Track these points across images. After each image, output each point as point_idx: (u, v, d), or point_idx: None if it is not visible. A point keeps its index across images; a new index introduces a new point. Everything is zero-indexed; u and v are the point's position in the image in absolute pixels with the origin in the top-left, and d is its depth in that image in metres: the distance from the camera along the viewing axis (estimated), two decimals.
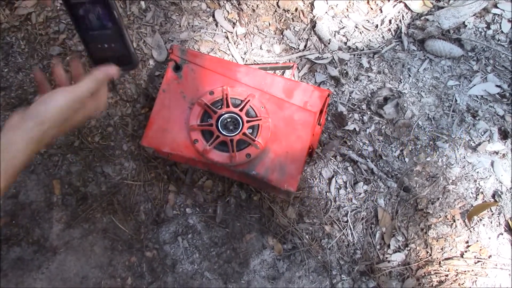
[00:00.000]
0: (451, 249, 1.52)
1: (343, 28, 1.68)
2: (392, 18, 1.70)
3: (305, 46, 1.67)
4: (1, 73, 1.59)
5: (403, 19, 1.69)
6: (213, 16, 1.67)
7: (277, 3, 1.69)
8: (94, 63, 0.85)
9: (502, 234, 1.53)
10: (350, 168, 1.56)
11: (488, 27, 1.68)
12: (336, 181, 1.55)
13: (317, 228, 1.52)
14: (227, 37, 1.65)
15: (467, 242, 1.52)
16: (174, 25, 1.64)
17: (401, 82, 1.63)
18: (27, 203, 1.52)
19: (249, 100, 1.25)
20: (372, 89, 1.62)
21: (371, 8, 1.71)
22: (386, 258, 1.51)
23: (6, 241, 1.49)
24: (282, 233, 1.51)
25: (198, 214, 1.53)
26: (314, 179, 1.56)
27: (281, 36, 1.67)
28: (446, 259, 1.51)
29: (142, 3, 1.65)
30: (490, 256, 1.51)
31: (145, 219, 1.53)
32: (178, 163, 1.55)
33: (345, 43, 1.67)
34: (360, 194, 1.55)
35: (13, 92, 1.59)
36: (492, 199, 1.55)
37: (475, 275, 1.49)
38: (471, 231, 1.53)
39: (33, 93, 1.59)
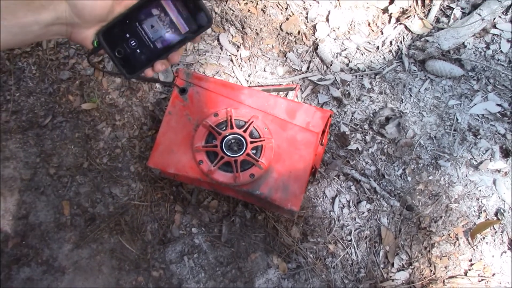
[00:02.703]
0: (455, 268, 1.53)
1: (345, 50, 1.72)
2: (393, 39, 1.73)
3: (308, 68, 1.70)
4: (12, 97, 1.64)
5: (403, 40, 1.73)
6: (218, 40, 1.71)
7: (280, 26, 1.73)
8: (104, 37, 0.74)
9: (505, 252, 1.54)
10: (353, 187, 1.59)
11: (488, 47, 1.71)
12: (340, 200, 1.58)
13: (321, 247, 1.54)
14: (231, 60, 1.69)
15: (470, 260, 1.53)
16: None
17: (402, 102, 1.66)
18: (37, 224, 1.56)
19: (252, 122, 1.28)
20: (374, 109, 1.65)
21: (372, 30, 1.75)
22: (390, 276, 1.52)
23: (16, 262, 1.52)
24: (286, 252, 1.53)
25: (204, 233, 1.56)
26: (318, 199, 1.58)
27: (284, 59, 1.71)
28: (450, 277, 1.52)
29: None
30: (493, 274, 1.52)
31: (152, 239, 1.55)
32: (184, 184, 1.58)
33: (347, 65, 1.70)
34: (363, 213, 1.57)
35: (24, 116, 1.63)
36: (495, 217, 1.56)
37: None
38: (474, 249, 1.54)
39: (43, 116, 1.63)
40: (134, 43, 0.74)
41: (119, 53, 0.75)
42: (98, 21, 0.72)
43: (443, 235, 1.54)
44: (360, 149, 1.62)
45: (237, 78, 1.68)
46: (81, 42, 0.74)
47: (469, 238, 1.54)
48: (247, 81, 1.68)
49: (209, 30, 1.72)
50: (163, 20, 0.74)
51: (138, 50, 0.75)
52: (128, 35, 0.74)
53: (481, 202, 1.58)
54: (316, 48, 1.71)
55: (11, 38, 0.65)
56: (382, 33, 1.75)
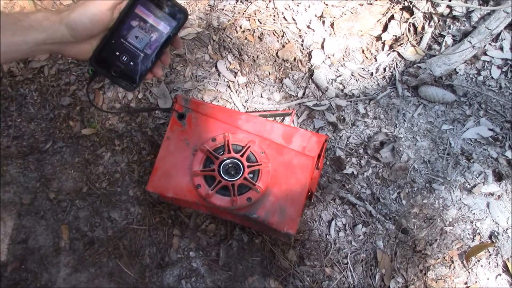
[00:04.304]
0: None
1: (339, 76, 1.76)
2: (387, 66, 1.78)
3: (304, 93, 1.74)
4: (14, 123, 1.67)
5: (397, 67, 1.77)
6: (216, 67, 1.76)
7: (277, 53, 1.78)
8: (97, 62, 0.78)
9: (500, 275, 1.55)
10: (349, 211, 1.61)
11: (479, 74, 1.76)
12: (336, 224, 1.59)
13: (317, 271, 1.55)
14: (229, 86, 1.73)
15: (466, 283, 1.54)
16: (178, 76, 1.73)
17: (396, 127, 1.69)
18: (36, 248, 1.57)
19: (249, 146, 1.31)
20: (369, 134, 1.69)
21: (366, 57, 1.80)
22: None
23: (15, 286, 1.53)
24: (283, 276, 1.54)
25: (202, 257, 1.57)
26: (314, 222, 1.60)
27: (281, 85, 1.75)
28: None
29: None
30: None
31: (150, 262, 1.56)
32: (182, 208, 1.60)
33: (342, 90, 1.74)
34: (359, 236, 1.58)
35: (25, 141, 1.66)
36: (489, 240, 1.58)
37: None
38: (469, 272, 1.55)
39: (44, 142, 1.66)
40: (126, 58, 0.79)
41: (115, 72, 0.79)
42: (93, 36, 0.75)
43: (438, 258, 1.56)
44: (355, 173, 1.64)
45: (234, 104, 1.71)
46: (73, 57, 0.77)
47: (464, 261, 1.56)
48: (244, 106, 1.71)
49: (207, 57, 1.76)
50: (144, 27, 0.78)
51: (131, 63, 0.79)
52: (118, 53, 0.78)
53: (475, 225, 1.60)
54: (311, 75, 1.75)
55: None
56: (376, 60, 1.79)
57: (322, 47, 1.79)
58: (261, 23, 1.81)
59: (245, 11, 1.82)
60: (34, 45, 0.69)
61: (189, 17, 1.79)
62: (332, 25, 1.80)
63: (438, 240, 1.58)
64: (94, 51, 0.77)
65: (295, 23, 1.81)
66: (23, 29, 0.68)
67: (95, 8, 0.71)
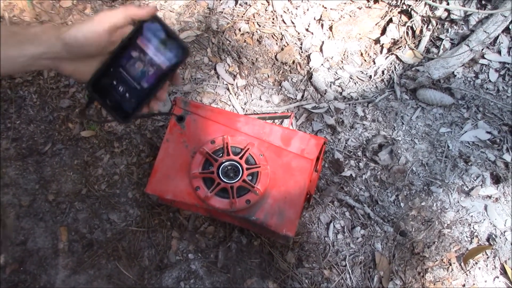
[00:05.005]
0: None
1: (338, 79, 1.77)
2: (385, 69, 1.79)
3: (302, 96, 1.75)
4: (13, 125, 1.68)
5: (395, 70, 1.78)
6: (215, 69, 1.76)
7: (275, 56, 1.78)
8: (93, 88, 0.77)
9: (498, 277, 1.56)
10: (347, 213, 1.61)
11: (477, 77, 1.76)
12: (334, 226, 1.60)
13: (316, 273, 1.56)
14: (228, 89, 1.74)
15: (464, 285, 1.55)
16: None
17: (394, 130, 1.70)
18: (35, 250, 1.57)
19: (248, 149, 1.31)
20: (367, 137, 1.69)
21: (365, 60, 1.80)
22: None
23: None
24: (282, 278, 1.54)
25: (200, 259, 1.57)
26: (313, 224, 1.60)
27: (280, 87, 1.75)
28: None
29: None
30: None
31: (149, 264, 1.57)
32: (181, 210, 1.60)
33: (341, 93, 1.75)
34: (357, 238, 1.59)
35: (24, 143, 1.67)
36: (487, 243, 1.59)
37: None
38: (467, 275, 1.56)
39: (43, 144, 1.67)
40: (122, 89, 0.77)
41: (110, 101, 0.77)
42: (89, 56, 0.74)
43: (436, 260, 1.57)
44: (354, 175, 1.65)
45: (233, 106, 1.72)
46: (69, 75, 0.76)
47: (462, 264, 1.56)
48: (243, 109, 1.72)
49: (206, 60, 1.77)
50: (144, 60, 0.76)
51: (127, 94, 0.77)
52: (115, 82, 0.76)
53: (473, 227, 1.60)
54: (310, 77, 1.76)
55: None
56: (374, 63, 1.80)
57: (321, 50, 1.79)
58: (260, 26, 1.82)
59: (244, 14, 1.83)
60: (30, 59, 0.69)
61: (189, 19, 1.81)
62: (330, 28, 1.81)
63: (436, 242, 1.58)
64: (92, 76, 0.75)
65: (294, 26, 1.82)
66: (20, 42, 0.68)
67: (92, 27, 0.71)
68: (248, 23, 1.82)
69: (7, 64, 0.68)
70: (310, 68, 1.78)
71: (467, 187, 1.64)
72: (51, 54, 0.70)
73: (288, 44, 1.80)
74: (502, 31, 1.76)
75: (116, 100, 0.77)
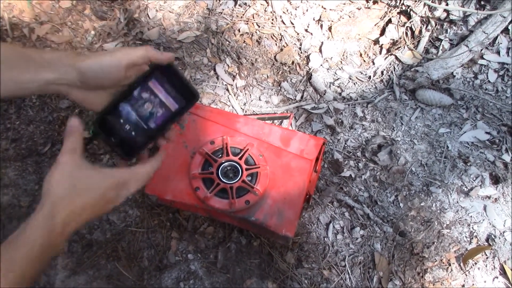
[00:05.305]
0: None
1: (337, 79, 1.77)
2: (384, 69, 1.79)
3: (302, 97, 1.75)
4: (13, 125, 1.68)
5: (394, 70, 1.78)
6: (214, 70, 1.76)
7: (275, 56, 1.79)
8: (100, 125, 0.78)
9: (497, 277, 1.56)
10: (346, 214, 1.61)
11: (476, 77, 1.77)
12: (334, 226, 1.60)
13: (315, 273, 1.56)
14: (227, 89, 1.74)
15: (463, 285, 1.55)
16: None
17: (394, 130, 1.70)
18: None
19: (248, 149, 1.31)
20: (367, 137, 1.69)
21: (364, 61, 1.81)
22: None
23: None
24: (281, 278, 1.55)
25: (200, 260, 1.57)
26: (312, 225, 1.60)
27: (279, 88, 1.76)
28: None
29: None
30: None
31: (148, 265, 1.57)
32: (181, 210, 1.60)
33: (340, 94, 1.75)
34: (357, 239, 1.59)
35: (24, 144, 1.67)
36: (486, 243, 1.59)
37: None
38: (466, 275, 1.56)
39: (42, 144, 1.67)
40: (129, 127, 0.77)
41: (115, 138, 0.78)
42: (102, 88, 0.75)
43: (436, 260, 1.57)
44: (353, 176, 1.65)
45: (232, 107, 1.72)
46: (79, 102, 0.76)
47: (461, 264, 1.56)
48: (243, 109, 1.72)
49: (205, 60, 1.77)
50: (153, 101, 0.77)
51: (133, 133, 0.78)
52: (122, 121, 0.77)
53: (472, 228, 1.60)
54: (309, 78, 1.76)
55: (5, 91, 0.67)
56: (374, 64, 1.80)
57: (320, 50, 1.80)
58: (259, 26, 1.82)
59: (243, 15, 1.83)
60: (43, 84, 0.69)
61: (188, 20, 1.81)
62: (330, 28, 1.81)
63: (435, 242, 1.58)
64: (99, 113, 0.76)
65: (293, 26, 1.82)
66: (33, 68, 0.68)
67: (111, 60, 0.71)
68: (247, 23, 1.82)
69: (20, 88, 0.69)
70: (310, 69, 1.78)
71: (466, 187, 1.65)
72: (64, 81, 0.70)
73: (287, 45, 1.80)
74: (501, 32, 1.76)
75: (122, 137, 0.78)
